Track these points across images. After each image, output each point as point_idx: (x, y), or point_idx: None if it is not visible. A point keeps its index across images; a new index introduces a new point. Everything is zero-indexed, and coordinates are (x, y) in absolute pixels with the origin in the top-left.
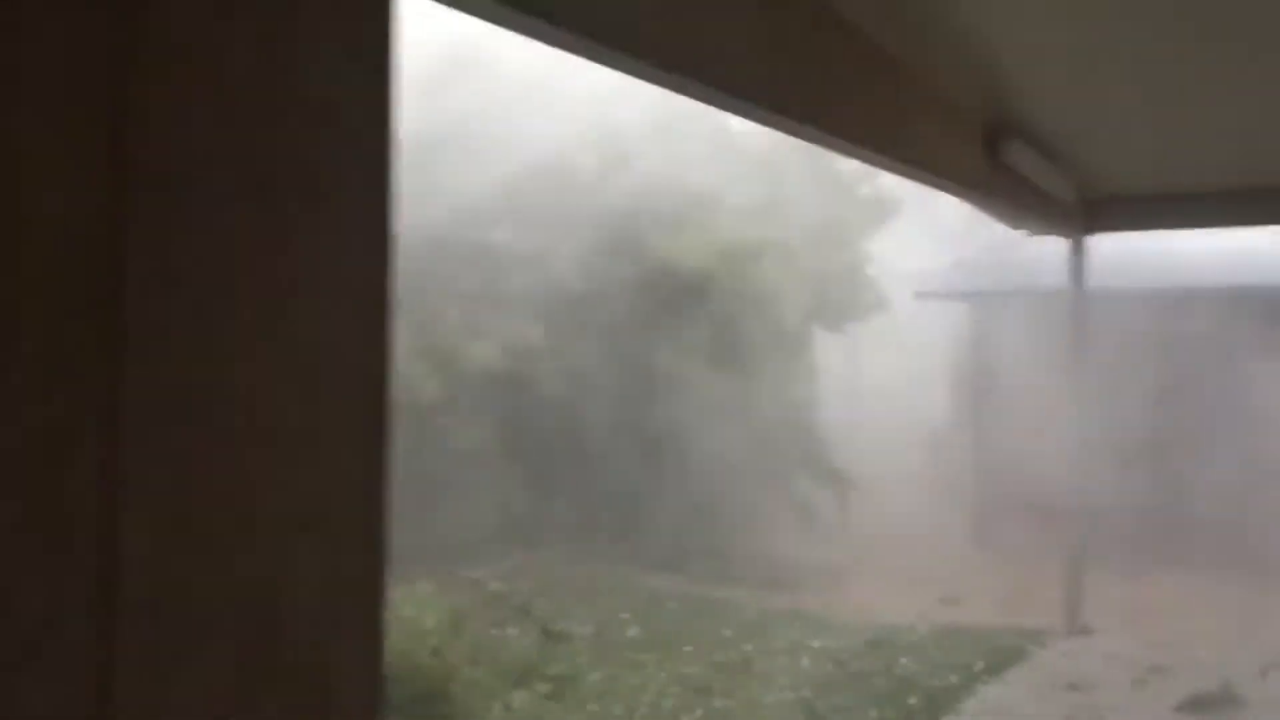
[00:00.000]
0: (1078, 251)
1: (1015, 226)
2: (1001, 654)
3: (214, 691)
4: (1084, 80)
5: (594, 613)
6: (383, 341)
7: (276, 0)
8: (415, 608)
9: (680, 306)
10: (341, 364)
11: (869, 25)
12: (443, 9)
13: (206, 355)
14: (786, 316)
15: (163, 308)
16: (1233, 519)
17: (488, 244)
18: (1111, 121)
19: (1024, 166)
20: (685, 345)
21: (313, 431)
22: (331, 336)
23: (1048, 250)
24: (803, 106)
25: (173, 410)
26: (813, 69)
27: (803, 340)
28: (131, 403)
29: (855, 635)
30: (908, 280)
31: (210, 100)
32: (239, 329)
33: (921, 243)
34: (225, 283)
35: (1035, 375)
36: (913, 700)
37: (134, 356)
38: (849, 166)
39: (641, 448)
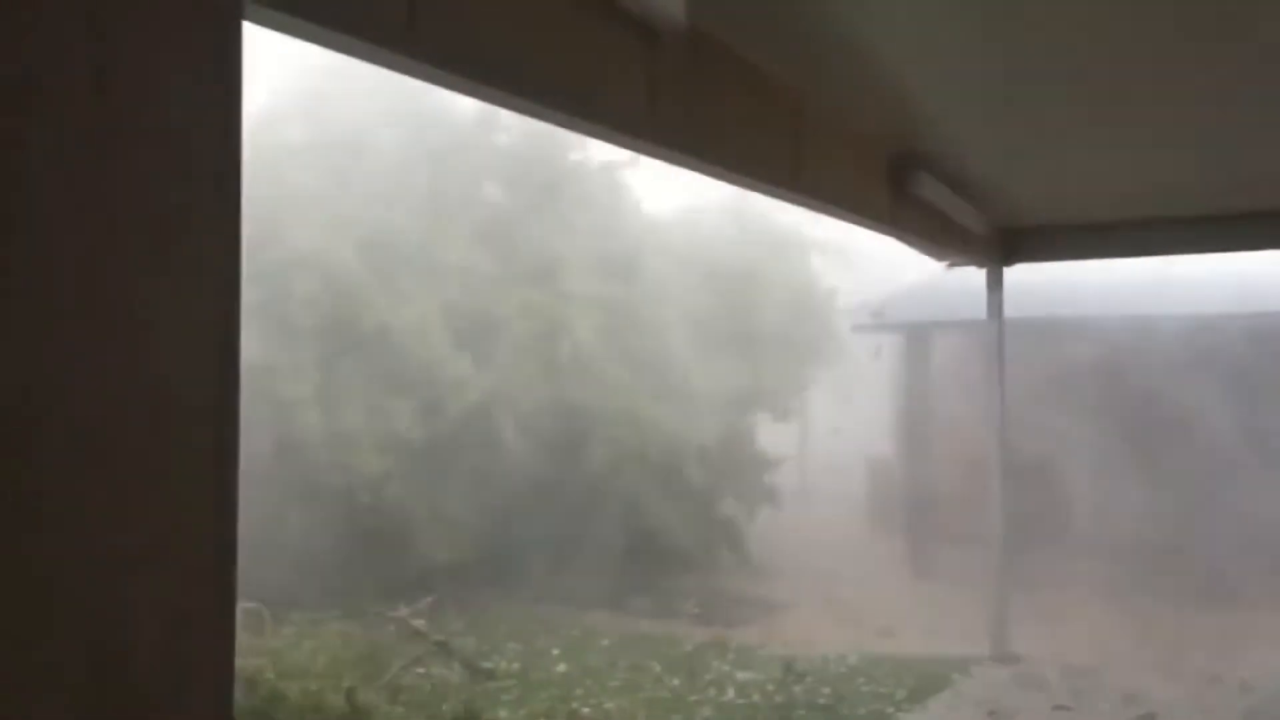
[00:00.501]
0: (995, 282)
1: (935, 257)
2: (925, 682)
3: None
4: (996, 113)
5: (523, 650)
6: (230, 374)
7: (118, 31)
8: (332, 646)
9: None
10: (187, 397)
11: (761, 60)
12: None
13: (36, 385)
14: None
15: None
16: (1165, 543)
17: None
18: (1026, 154)
19: (932, 198)
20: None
21: (155, 465)
22: (176, 368)
23: (980, 281)
24: (688, 141)
25: None
26: (696, 104)
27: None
28: None
29: (784, 667)
30: (842, 314)
31: (43, 128)
32: (73, 361)
33: (853, 276)
34: (57, 313)
35: (965, 405)
36: None
37: None
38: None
39: (579, 484)
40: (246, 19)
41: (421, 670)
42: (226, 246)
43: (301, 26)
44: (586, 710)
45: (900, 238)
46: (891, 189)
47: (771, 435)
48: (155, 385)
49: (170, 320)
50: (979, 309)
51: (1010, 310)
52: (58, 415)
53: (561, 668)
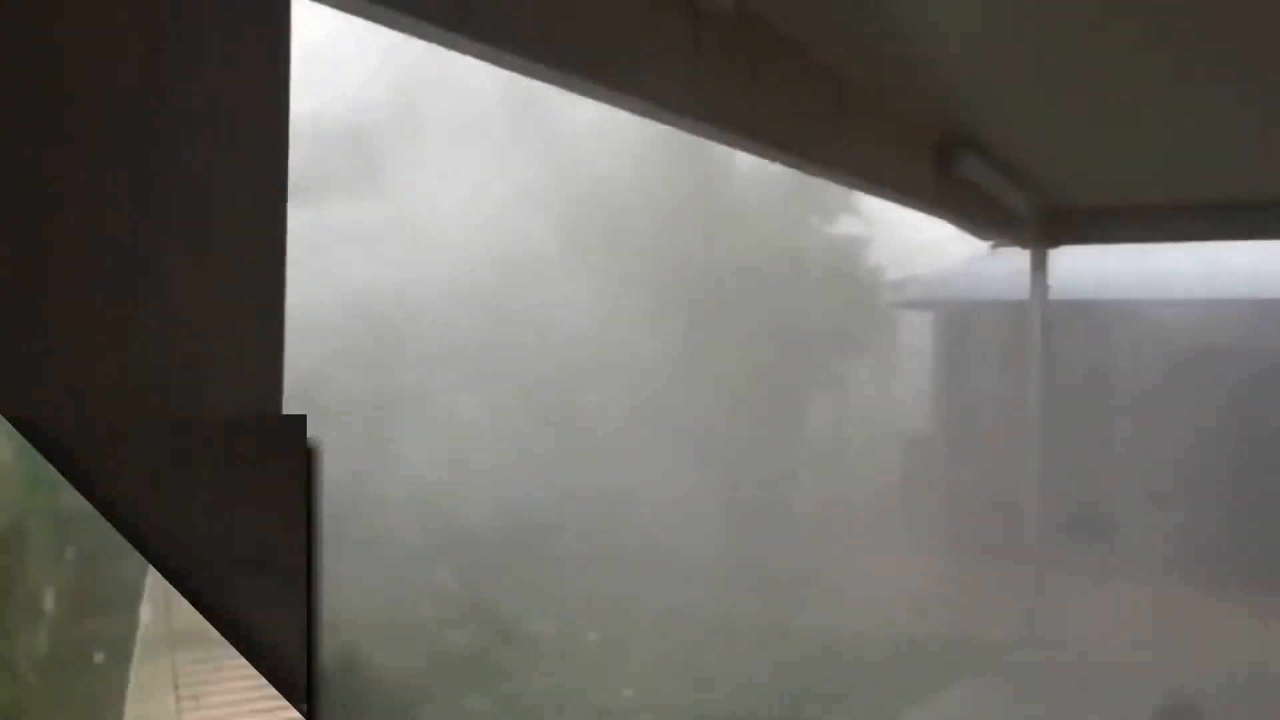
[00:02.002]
0: (1039, 264)
1: (979, 237)
2: (956, 663)
3: None
4: (1045, 91)
5: (556, 615)
6: (275, 349)
7: (170, 8)
8: (366, 608)
9: None
10: (232, 372)
11: (806, 38)
12: None
13: (80, 359)
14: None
15: (31, 312)
16: (1201, 527)
17: None
18: (1074, 134)
19: (976, 178)
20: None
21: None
22: (221, 343)
23: (1023, 261)
24: (731, 118)
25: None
26: (740, 82)
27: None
28: None
29: (813, 644)
30: (884, 290)
31: (91, 105)
32: (119, 335)
33: (896, 253)
34: (102, 286)
35: (1004, 386)
36: (855, 710)
37: None
38: None
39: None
40: None
41: (452, 633)
42: (271, 215)
43: (353, 3)
44: (615, 679)
45: (944, 216)
46: (935, 168)
47: (808, 410)
48: (199, 359)
49: (214, 290)
50: (1023, 291)
51: (1066, 293)
52: (93, 387)
53: (594, 635)
